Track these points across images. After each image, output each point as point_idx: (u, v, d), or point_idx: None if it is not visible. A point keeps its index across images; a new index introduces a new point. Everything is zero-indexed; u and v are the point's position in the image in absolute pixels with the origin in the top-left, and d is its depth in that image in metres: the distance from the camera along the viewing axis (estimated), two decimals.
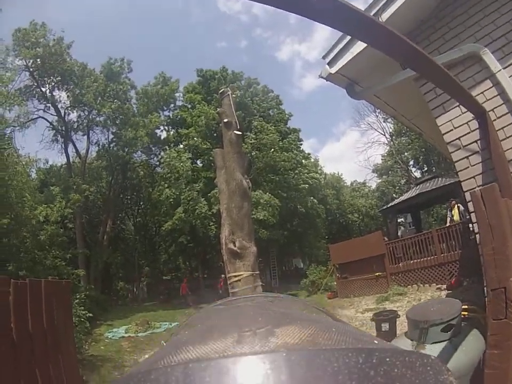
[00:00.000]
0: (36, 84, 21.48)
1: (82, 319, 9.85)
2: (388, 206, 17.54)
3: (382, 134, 37.10)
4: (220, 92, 14.41)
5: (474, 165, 3.33)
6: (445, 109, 3.55)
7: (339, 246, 16.23)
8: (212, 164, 20.00)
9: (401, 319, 7.59)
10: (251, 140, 22.20)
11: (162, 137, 27.02)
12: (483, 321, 3.57)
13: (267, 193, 22.39)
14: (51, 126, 23.53)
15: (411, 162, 37.13)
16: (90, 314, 10.81)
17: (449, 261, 11.56)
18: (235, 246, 10.05)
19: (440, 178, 15.46)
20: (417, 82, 3.82)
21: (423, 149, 33.56)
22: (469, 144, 3.36)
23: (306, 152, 29.53)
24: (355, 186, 43.63)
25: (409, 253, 13.03)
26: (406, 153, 36.33)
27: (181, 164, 21.35)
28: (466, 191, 3.30)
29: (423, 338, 3.05)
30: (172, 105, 27.84)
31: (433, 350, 2.95)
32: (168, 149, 24.18)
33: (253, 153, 21.95)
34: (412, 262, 12.80)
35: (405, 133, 34.21)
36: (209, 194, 20.99)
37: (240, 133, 11.75)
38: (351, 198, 39.36)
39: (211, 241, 21.67)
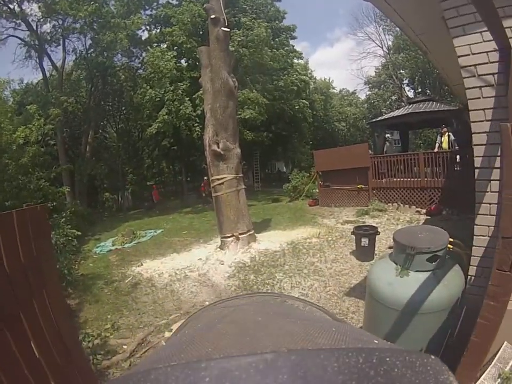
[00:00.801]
0: (2, 2, 18.98)
1: (70, 238, 9.96)
2: (378, 119, 17.16)
3: (379, 46, 35.09)
4: None
5: (486, 97, 3.08)
6: (465, 31, 3.17)
7: (324, 153, 16.11)
8: (197, 63, 18.85)
9: (380, 236, 7.93)
10: (239, 37, 20.49)
11: (144, 38, 24.77)
12: (465, 258, 3.67)
13: (254, 91, 21.61)
14: (23, 43, 21.61)
15: (405, 81, 35.94)
16: (79, 232, 10.93)
17: (431, 187, 11.76)
18: (219, 147, 9.96)
19: (435, 103, 15.01)
20: None
21: (420, 70, 32.22)
22: (485, 75, 3.08)
23: (298, 51, 27.51)
24: (344, 94, 42.39)
25: (393, 170, 13.15)
26: (402, 71, 34.90)
27: (165, 62, 19.96)
28: (474, 122, 3.11)
29: (408, 265, 3.07)
30: (155, 3, 24.99)
31: (416, 278, 3.01)
32: (150, 48, 22.37)
33: (240, 51, 20.48)
34: (395, 180, 12.99)
35: (404, 49, 32.39)
36: (194, 96, 20.21)
37: (228, 29, 10.84)
38: (340, 106, 38.51)
39: (195, 143, 21.33)
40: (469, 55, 3.16)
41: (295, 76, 25.62)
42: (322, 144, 30.98)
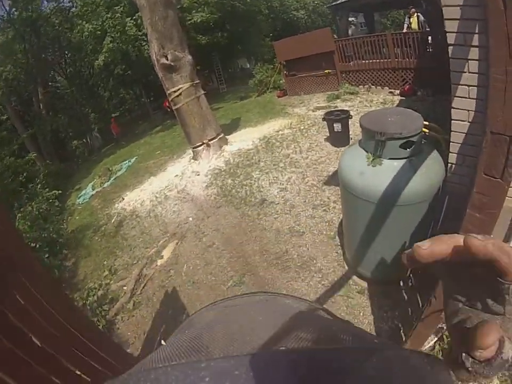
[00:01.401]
0: None
1: (50, 200, 9.79)
2: (339, 2, 15.71)
3: None
4: None
5: None
6: None
7: (284, 42, 15.18)
8: None
9: (354, 119, 7.72)
10: None
11: None
12: (443, 143, 3.41)
13: None
14: None
15: None
16: (59, 191, 10.69)
17: (403, 67, 11.15)
18: (167, 59, 9.35)
19: None
20: None
21: None
22: None
23: None
24: None
25: (361, 52, 12.39)
26: None
27: None
28: (445, 6, 2.57)
29: (380, 152, 2.81)
30: None
31: (390, 166, 2.76)
32: None
33: None
34: (363, 62, 12.31)
35: None
36: (134, 17, 18.33)
37: None
38: None
39: (147, 62, 19.84)
40: None
41: None
42: (283, 35, 28.52)
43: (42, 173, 13.76)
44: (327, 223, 4.91)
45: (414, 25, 11.84)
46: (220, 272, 4.65)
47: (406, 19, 12.44)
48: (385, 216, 2.86)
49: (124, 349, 3.51)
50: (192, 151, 9.72)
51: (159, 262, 5.42)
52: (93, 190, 11.79)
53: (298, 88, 14.71)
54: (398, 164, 2.74)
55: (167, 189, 8.33)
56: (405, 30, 11.85)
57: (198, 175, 8.50)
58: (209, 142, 9.46)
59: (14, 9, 20.21)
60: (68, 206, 11.30)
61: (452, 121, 2.79)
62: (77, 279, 6.15)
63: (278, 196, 6.10)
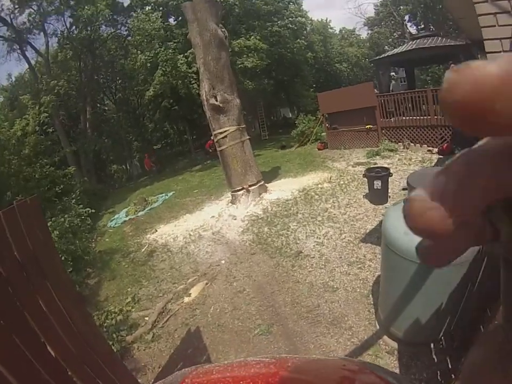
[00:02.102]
0: None
1: (83, 217, 9.98)
2: (381, 56, 16.21)
3: None
4: None
5: (502, 25, 2.72)
6: None
7: (328, 94, 15.53)
8: (188, 36, 17.97)
9: (393, 177, 7.69)
10: None
11: (126, 5, 23.56)
12: None
13: (251, 38, 20.71)
14: (1, 38, 20.86)
15: (406, 17, 33.43)
16: (93, 210, 10.86)
17: (442, 125, 11.18)
18: (217, 100, 9.69)
19: (440, 38, 13.91)
20: None
21: (422, 5, 29.95)
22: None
23: None
24: (344, 34, 40.00)
25: (402, 108, 12.53)
26: (401, 7, 32.45)
27: (151, 24, 19.22)
28: (489, 52, 2.74)
29: None
30: None
31: None
32: (134, 14, 21.53)
33: (229, 0, 19.38)
34: (404, 118, 12.42)
35: None
36: (186, 54, 19.40)
37: None
38: (340, 47, 36.55)
39: (195, 100, 20.80)
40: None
41: (290, 18, 24.37)
42: (326, 86, 29.71)
43: (79, 189, 14.19)
44: (361, 281, 4.78)
45: None
46: (247, 319, 4.54)
47: (446, 74, 12.55)
48: (425, 276, 2.82)
49: (135, 377, 3.43)
50: (231, 194, 9.79)
51: (186, 299, 5.36)
52: (126, 216, 12.02)
53: (338, 142, 14.81)
54: None
55: (202, 229, 8.39)
56: None
57: (235, 219, 8.53)
58: (249, 188, 9.51)
59: (74, 27, 21.63)
60: (98, 227, 11.53)
61: None
62: (97, 299, 6.18)
63: (314, 250, 6.02)
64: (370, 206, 7.38)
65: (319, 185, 9.55)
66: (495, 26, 2.66)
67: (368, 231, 6.24)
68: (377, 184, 7.18)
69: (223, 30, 10.12)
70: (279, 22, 23.41)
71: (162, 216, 10.71)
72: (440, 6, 26.68)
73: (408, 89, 14.38)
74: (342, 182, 9.44)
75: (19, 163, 13.59)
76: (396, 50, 15.32)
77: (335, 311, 4.28)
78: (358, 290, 4.59)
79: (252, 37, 20.75)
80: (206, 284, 5.68)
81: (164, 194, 13.84)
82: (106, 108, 28.76)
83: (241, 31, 21.04)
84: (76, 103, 23.70)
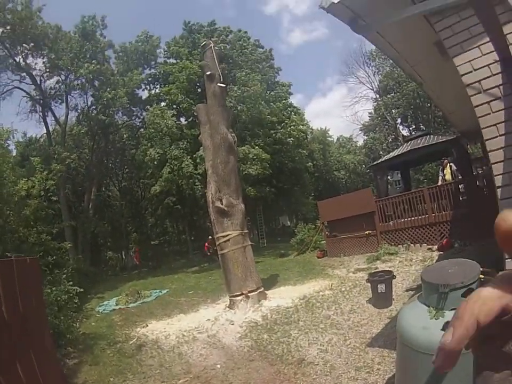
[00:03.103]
0: (8, 54, 20.18)
1: (71, 295, 9.63)
2: (378, 162, 17.20)
3: (370, 88, 36.55)
4: (202, 45, 13.71)
5: (496, 111, 2.99)
6: (463, 49, 3.20)
7: (327, 202, 16.06)
8: (196, 121, 19.38)
9: (395, 280, 7.59)
10: (235, 93, 21.27)
11: (143, 97, 25.99)
12: None
13: (256, 147, 21.95)
14: (28, 96, 22.68)
15: (399, 120, 36.85)
16: (81, 290, 10.54)
17: (440, 221, 11.49)
18: (222, 204, 9.81)
19: (431, 136, 15.11)
20: (432, 18, 3.42)
21: (412, 106, 33.37)
22: (491, 88, 3.02)
23: (295, 106, 28.84)
24: (342, 141, 43.41)
25: (400, 211, 12.90)
26: (393, 110, 35.94)
27: (164, 121, 20.50)
28: (488, 139, 2.95)
29: (442, 304, 2.67)
30: (153, 62, 26.41)
31: (451, 317, 2.67)
32: (149, 107, 23.12)
33: (238, 107, 21.22)
34: (402, 220, 12.69)
35: (393, 88, 33.83)
36: (194, 156, 20.44)
37: (224, 85, 11.27)
38: (338, 155, 39.22)
39: (198, 202, 21.40)
40: (471, 71, 3.12)
41: (293, 126, 26.19)
42: (325, 194, 31.02)
43: (72, 266, 13.80)
44: None
45: (448, 176, 12.26)
46: None
47: (440, 172, 13.00)
48: (446, 377, 2.50)
49: None
50: (230, 299, 9.48)
51: None
52: (116, 305, 11.56)
53: (338, 249, 14.78)
54: None
55: (197, 331, 7.90)
56: (439, 183, 12.36)
57: (233, 324, 8.09)
58: (249, 294, 9.24)
59: (93, 106, 23.03)
60: (85, 309, 11.04)
61: (506, 261, 2.80)
62: (74, 381, 5.65)
63: (317, 357, 5.56)
64: (374, 311, 7.08)
65: (320, 293, 9.27)
66: (489, 114, 2.89)
67: (374, 335, 5.90)
68: (381, 288, 7.02)
69: (232, 134, 10.74)
70: (282, 130, 25.19)
71: (155, 312, 10.23)
72: (429, 105, 29.40)
73: (405, 191, 14.87)
74: (343, 289, 9.21)
75: (17, 222, 13.44)
76: (391, 154, 16.22)
77: None
78: None
79: (257, 146, 22.08)
80: None
81: (158, 291, 13.41)
82: (110, 194, 29.56)
83: (247, 138, 22.48)
84: (83, 181, 24.53)
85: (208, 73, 11.10)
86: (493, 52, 2.93)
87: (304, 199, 30.08)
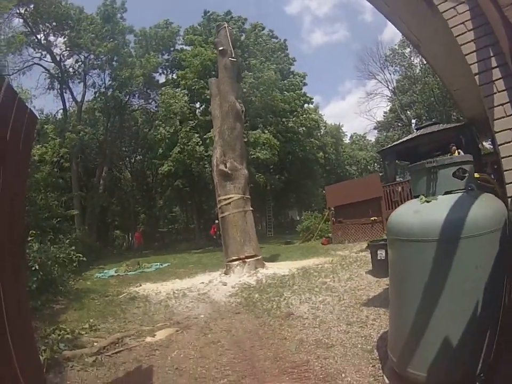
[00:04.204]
0: (30, 31, 20.48)
1: (71, 257, 9.57)
2: (387, 147, 16.79)
3: (385, 86, 35.96)
4: (216, 24, 13.99)
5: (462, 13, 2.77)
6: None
7: (335, 187, 15.95)
8: (209, 107, 19.29)
9: None
10: (249, 79, 21.07)
11: (160, 82, 26.18)
12: (498, 190, 3.00)
13: (267, 132, 21.74)
14: (47, 72, 22.96)
15: (413, 121, 36.18)
16: (84, 258, 10.37)
17: None
18: (226, 167, 9.80)
19: (441, 124, 14.64)
20: None
21: (427, 108, 32.81)
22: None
23: (308, 96, 28.07)
24: (355, 138, 42.99)
25: (408, 198, 12.46)
26: (408, 112, 35.38)
27: (176, 101, 20.52)
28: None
29: (433, 188, 2.45)
30: (172, 48, 26.65)
31: (447, 199, 2.38)
32: (163, 92, 23.02)
33: (251, 92, 21.04)
34: None
35: (409, 89, 33.38)
36: (205, 136, 20.15)
37: (234, 59, 11.45)
38: (351, 150, 38.83)
39: (207, 186, 21.16)
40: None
41: (305, 115, 25.94)
42: None
43: (76, 234, 13.99)
44: (363, 338, 3.99)
45: None
46: (214, 368, 3.71)
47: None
48: (449, 260, 2.22)
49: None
50: (226, 264, 9.35)
51: (149, 339, 4.60)
52: (115, 273, 11.60)
53: (343, 236, 14.56)
54: (454, 196, 2.39)
55: (188, 290, 7.77)
56: None
57: (225, 285, 7.93)
58: (246, 259, 9.12)
59: (110, 85, 23.37)
60: (85, 274, 11.08)
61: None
62: (54, 318, 5.67)
63: (307, 313, 5.27)
64: (373, 279, 6.78)
65: (319, 265, 9.05)
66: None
67: (371, 297, 5.59)
68: (381, 254, 6.72)
69: (240, 104, 10.90)
70: (294, 118, 24.93)
71: (151, 277, 10.24)
72: (442, 108, 28.79)
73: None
74: (343, 263, 9.00)
75: (27, 186, 13.52)
76: (401, 140, 15.79)
77: (329, 368, 3.45)
78: (359, 346, 3.79)
79: (267, 131, 21.86)
80: (177, 331, 4.89)
81: (158, 264, 13.42)
82: (121, 177, 29.67)
83: (258, 125, 22.33)
84: (95, 158, 24.68)
85: (220, 48, 11.39)
86: None
87: (315, 190, 29.67)
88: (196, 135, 20.53)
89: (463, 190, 2.41)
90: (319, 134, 30.82)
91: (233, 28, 20.89)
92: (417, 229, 2.36)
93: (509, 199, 2.40)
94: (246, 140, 14.18)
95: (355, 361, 3.46)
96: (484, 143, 14.24)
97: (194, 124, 21.19)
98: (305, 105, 27.82)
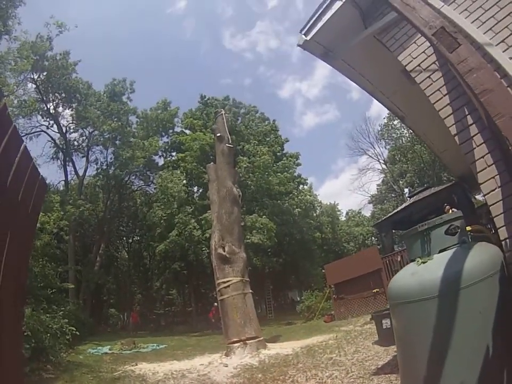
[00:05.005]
0: (40, 98, 21.80)
1: (64, 330, 9.10)
2: (383, 219, 17.01)
3: (376, 160, 37.45)
4: (214, 111, 15.17)
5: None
6: (404, 47, 3.52)
7: (334, 265, 15.96)
8: (207, 192, 19.86)
9: None
10: (245, 164, 22.08)
11: (160, 164, 27.26)
12: (491, 238, 3.01)
13: (263, 216, 22.05)
14: (53, 141, 23.99)
15: (406, 190, 37.11)
16: (77, 332, 9.97)
17: None
18: (224, 251, 10.01)
19: (434, 188, 15.17)
20: (381, 35, 3.79)
21: (417, 174, 34.03)
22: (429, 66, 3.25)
23: (302, 177, 29.51)
24: (350, 215, 43.56)
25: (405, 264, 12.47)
26: (400, 182, 36.49)
27: (174, 185, 21.15)
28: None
29: (427, 248, 2.56)
30: (171, 131, 28.19)
31: (442, 257, 2.48)
32: (161, 172, 24.04)
33: (246, 176, 21.84)
34: None
35: (400, 160, 34.84)
36: (200, 217, 20.60)
37: (231, 146, 12.25)
38: (347, 227, 39.11)
39: (205, 269, 20.98)
40: (411, 61, 3.36)
41: (300, 197, 26.57)
42: None
43: (71, 307, 13.66)
44: None
45: None
46: None
47: None
48: (452, 311, 2.29)
49: None
50: (226, 346, 9.06)
51: None
52: (110, 350, 11.16)
53: (346, 311, 14.28)
54: (449, 252, 2.51)
55: (187, 371, 7.42)
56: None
57: (226, 366, 7.58)
58: (247, 341, 8.87)
59: (112, 163, 23.98)
60: (77, 348, 10.71)
61: None
62: None
63: None
64: (380, 349, 6.54)
65: (324, 343, 8.73)
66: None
67: (380, 366, 5.38)
68: (386, 323, 6.62)
69: (238, 190, 11.38)
70: (289, 200, 25.49)
71: (148, 357, 9.78)
72: (430, 172, 29.48)
73: None
74: (348, 337, 8.76)
75: None
76: (395, 210, 16.04)
77: None
78: None
79: (264, 216, 22.18)
80: None
81: (155, 345, 12.87)
82: (118, 256, 29.39)
83: (254, 209, 22.85)
84: (93, 234, 24.66)
85: (218, 134, 12.14)
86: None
87: (313, 270, 29.25)
88: (193, 220, 20.79)
89: (457, 245, 2.55)
90: (314, 214, 31.48)
91: (229, 114, 22.40)
92: (417, 290, 2.47)
93: (503, 242, 2.53)
94: (243, 224, 14.55)
95: None
96: (477, 197, 14.59)
97: (191, 209, 21.64)
98: (300, 186, 28.78)
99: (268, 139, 27.97)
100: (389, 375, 4.68)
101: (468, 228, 2.74)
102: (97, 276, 22.07)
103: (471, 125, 2.88)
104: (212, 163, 12.99)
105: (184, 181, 22.49)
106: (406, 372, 2.83)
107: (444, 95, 3.08)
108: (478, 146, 2.81)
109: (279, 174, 24.79)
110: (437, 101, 3.14)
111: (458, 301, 2.29)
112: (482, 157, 2.76)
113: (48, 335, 7.60)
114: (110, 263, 26.37)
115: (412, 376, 2.66)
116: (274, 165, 25.11)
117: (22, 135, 20.26)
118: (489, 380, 2.20)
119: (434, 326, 2.36)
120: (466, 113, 2.91)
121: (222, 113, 12.74)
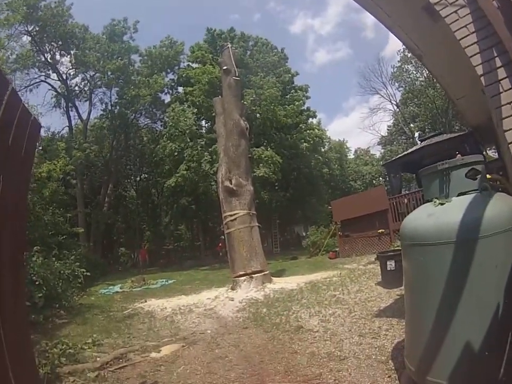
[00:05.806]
0: (37, 49, 20.93)
1: (76, 273, 9.45)
2: (392, 159, 16.64)
3: (388, 100, 35.98)
4: (221, 45, 14.38)
5: (464, 16, 2.84)
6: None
7: (341, 201, 15.79)
8: (213, 127, 19.23)
9: None
10: (251, 96, 21.17)
11: (166, 101, 26.31)
12: (510, 189, 2.88)
13: (269, 149, 21.62)
14: (53, 89, 23.41)
15: (416, 134, 36.03)
16: (87, 273, 10.20)
17: None
18: (231, 183, 9.78)
19: (445, 134, 14.58)
20: None
21: (430, 120, 32.69)
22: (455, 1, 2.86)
23: (311, 110, 28.02)
24: (359, 153, 42.96)
25: (411, 208, 12.29)
26: (412, 125, 35.35)
27: (185, 119, 20.59)
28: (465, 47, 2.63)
29: (446, 190, 2.39)
30: (176, 67, 26.87)
31: (460, 201, 2.32)
32: (172, 105, 22.98)
33: (253, 109, 21.11)
34: None
35: (413, 100, 33.42)
36: (210, 149, 20.13)
37: (238, 78, 11.65)
38: (355, 165, 38.72)
39: (213, 203, 21.03)
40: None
41: (309, 131, 25.78)
42: None
43: (82, 251, 14.01)
44: (377, 349, 3.84)
45: None
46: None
47: None
48: (468, 261, 2.14)
49: None
50: (233, 280, 9.24)
51: (154, 354, 4.48)
52: (120, 289, 11.58)
53: (351, 249, 14.38)
54: (469, 197, 2.33)
55: (194, 305, 7.67)
56: None
57: (232, 300, 7.80)
58: (253, 275, 9.01)
59: (116, 103, 23.66)
60: (89, 290, 11.09)
61: None
62: (55, 332, 5.66)
63: (317, 326, 5.13)
64: (383, 290, 6.63)
65: (328, 279, 8.91)
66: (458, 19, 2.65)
67: (382, 308, 5.44)
68: (390, 265, 6.60)
69: (245, 122, 10.96)
70: (297, 134, 24.85)
71: (157, 294, 10.15)
72: (444, 120, 28.69)
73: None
74: (352, 275, 8.87)
75: (35, 201, 13.40)
76: (405, 152, 15.68)
77: (342, 380, 3.31)
78: (374, 357, 3.65)
79: (270, 149, 21.77)
80: (183, 346, 4.75)
81: (164, 280, 13.37)
82: (126, 195, 29.57)
83: (263, 143, 22.32)
84: (100, 176, 24.87)
85: (224, 67, 11.63)
86: None
87: (320, 206, 29.34)
88: (206, 153, 20.41)
89: (477, 191, 2.36)
90: (323, 149, 30.79)
91: (236, 47, 21.10)
92: (433, 232, 2.29)
93: None
94: (250, 156, 14.21)
95: (370, 373, 3.31)
96: (488, 151, 14.11)
97: (203, 142, 21.15)
98: (309, 119, 27.78)
99: (276, 71, 26.41)
100: (391, 318, 4.73)
101: (489, 176, 2.51)
102: (106, 217, 22.50)
103: (499, 67, 2.61)
104: (218, 97, 12.55)
105: (193, 112, 21.70)
106: (412, 319, 2.74)
107: (471, 33, 2.76)
108: (505, 91, 2.57)
109: (286, 106, 23.77)
110: (464, 37, 2.82)
111: (476, 250, 2.13)
112: (509, 103, 2.53)
113: (61, 281, 7.85)
114: (119, 203, 26.68)
115: (418, 325, 2.56)
116: (283, 98, 24.01)
117: (21, 88, 19.83)
118: (495, 342, 2.10)
119: (447, 274, 2.22)
120: (495, 54, 2.63)
121: (228, 47, 12.25)
